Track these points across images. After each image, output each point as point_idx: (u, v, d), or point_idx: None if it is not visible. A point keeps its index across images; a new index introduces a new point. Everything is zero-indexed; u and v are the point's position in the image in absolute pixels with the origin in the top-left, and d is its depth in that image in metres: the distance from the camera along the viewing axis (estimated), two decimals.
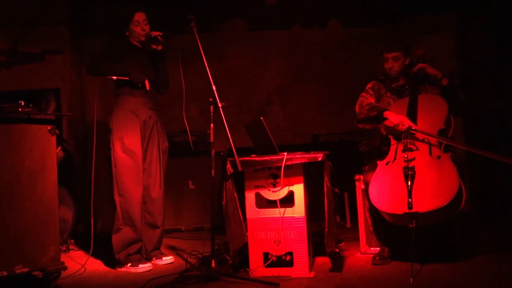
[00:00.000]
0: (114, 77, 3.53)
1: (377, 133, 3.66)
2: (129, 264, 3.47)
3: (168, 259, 3.64)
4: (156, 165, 3.66)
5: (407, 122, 3.29)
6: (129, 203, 3.51)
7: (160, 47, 3.65)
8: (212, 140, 3.19)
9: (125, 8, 3.73)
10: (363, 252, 3.57)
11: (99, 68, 3.58)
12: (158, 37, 3.58)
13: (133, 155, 3.54)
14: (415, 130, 3.27)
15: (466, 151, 4.93)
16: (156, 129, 3.68)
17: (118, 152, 3.53)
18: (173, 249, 4.05)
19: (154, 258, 3.63)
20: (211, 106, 3.19)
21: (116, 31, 3.79)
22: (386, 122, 3.41)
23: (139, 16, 3.65)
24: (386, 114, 3.41)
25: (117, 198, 3.52)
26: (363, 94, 3.63)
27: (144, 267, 3.46)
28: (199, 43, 3.22)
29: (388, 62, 3.55)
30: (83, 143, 5.36)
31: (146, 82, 3.58)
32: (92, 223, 3.45)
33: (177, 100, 5.61)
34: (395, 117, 3.36)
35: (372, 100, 3.58)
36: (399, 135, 3.33)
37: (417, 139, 3.25)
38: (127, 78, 3.53)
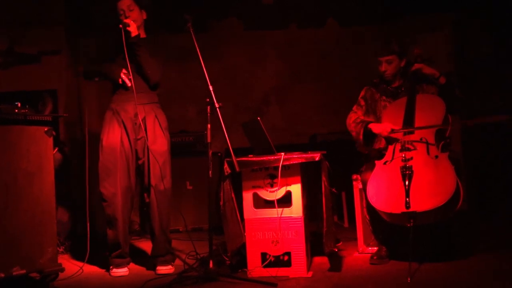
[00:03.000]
0: (96, 79, 3.47)
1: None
2: (111, 266, 3.44)
3: (163, 268, 3.40)
4: (147, 166, 3.44)
5: (389, 126, 3.34)
6: (111, 207, 3.40)
7: (132, 35, 3.37)
8: (209, 140, 3.18)
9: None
10: (361, 252, 3.57)
11: (84, 72, 3.55)
12: (119, 25, 3.36)
13: (111, 157, 3.39)
14: (397, 131, 3.32)
15: (463, 151, 4.97)
16: (145, 126, 3.43)
17: (99, 156, 3.43)
18: None
19: (157, 267, 3.46)
20: (208, 107, 3.18)
21: (112, 30, 3.69)
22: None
23: (122, 4, 3.45)
24: (370, 126, 3.48)
25: (103, 203, 3.44)
26: (354, 107, 3.68)
27: (117, 271, 3.39)
28: (196, 44, 3.21)
29: (382, 66, 3.56)
30: (81, 144, 5.35)
31: (123, 76, 3.40)
32: (88, 227, 3.39)
33: (174, 100, 5.61)
34: (377, 127, 3.43)
35: (360, 113, 3.62)
36: (396, 140, 3.34)
37: (415, 140, 3.26)
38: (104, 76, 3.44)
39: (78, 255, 4.00)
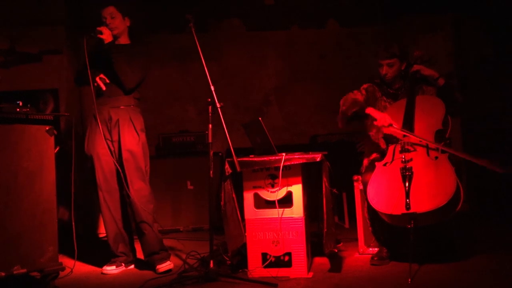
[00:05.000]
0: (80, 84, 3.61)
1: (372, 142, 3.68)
2: None
3: (163, 266, 3.39)
4: (123, 167, 3.47)
5: (389, 119, 3.32)
6: (100, 209, 3.55)
7: (105, 42, 3.44)
8: (210, 140, 3.18)
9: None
10: (362, 253, 3.57)
11: (74, 79, 3.72)
12: (92, 33, 3.44)
13: (89, 163, 3.51)
14: (395, 127, 3.30)
15: (463, 150, 4.97)
16: (119, 128, 3.49)
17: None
18: (171, 250, 4.03)
19: (156, 266, 3.44)
20: (210, 107, 3.18)
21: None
22: (371, 121, 3.45)
23: (105, 12, 3.52)
24: (368, 110, 3.45)
25: None
26: (354, 91, 3.66)
27: (105, 269, 3.45)
28: (198, 44, 3.21)
29: (383, 69, 3.55)
30: (82, 143, 5.34)
31: (98, 80, 3.47)
32: (73, 226, 3.35)
33: (174, 100, 5.61)
34: (377, 114, 3.40)
35: (359, 97, 3.60)
36: (395, 140, 3.34)
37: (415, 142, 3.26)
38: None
39: (78, 254, 4.00)
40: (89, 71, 3.37)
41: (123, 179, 3.44)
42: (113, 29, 3.53)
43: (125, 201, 3.57)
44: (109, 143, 3.51)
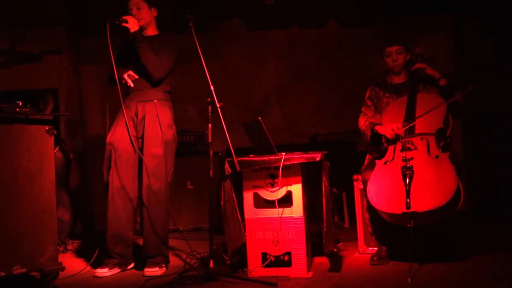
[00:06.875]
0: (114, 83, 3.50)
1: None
2: None
3: (150, 270, 3.33)
4: (144, 165, 3.40)
5: (394, 126, 3.32)
6: (108, 207, 3.45)
7: (131, 31, 3.38)
8: (210, 140, 3.18)
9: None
10: (361, 252, 3.57)
11: (107, 76, 3.54)
12: (116, 21, 3.36)
13: (108, 156, 3.44)
14: (404, 126, 3.30)
15: (464, 152, 4.98)
16: (144, 125, 3.43)
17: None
18: (171, 249, 4.03)
19: (144, 268, 3.40)
20: (209, 106, 3.17)
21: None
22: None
23: (131, 2, 3.47)
24: (376, 128, 3.47)
25: None
26: (363, 109, 3.67)
27: (97, 271, 3.35)
28: (197, 44, 3.21)
29: (392, 55, 3.55)
30: (82, 143, 5.35)
31: (125, 77, 3.42)
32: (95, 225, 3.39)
33: (175, 100, 5.62)
34: (382, 129, 3.42)
35: (370, 113, 3.62)
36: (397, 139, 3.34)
37: (415, 135, 3.26)
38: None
39: (78, 254, 4.01)
40: (112, 59, 3.32)
41: (138, 178, 3.42)
42: (139, 20, 3.46)
43: (139, 201, 3.50)
44: (134, 139, 3.44)
